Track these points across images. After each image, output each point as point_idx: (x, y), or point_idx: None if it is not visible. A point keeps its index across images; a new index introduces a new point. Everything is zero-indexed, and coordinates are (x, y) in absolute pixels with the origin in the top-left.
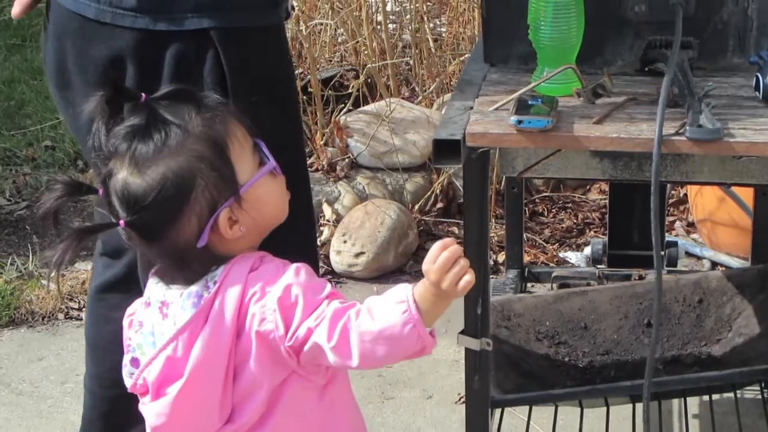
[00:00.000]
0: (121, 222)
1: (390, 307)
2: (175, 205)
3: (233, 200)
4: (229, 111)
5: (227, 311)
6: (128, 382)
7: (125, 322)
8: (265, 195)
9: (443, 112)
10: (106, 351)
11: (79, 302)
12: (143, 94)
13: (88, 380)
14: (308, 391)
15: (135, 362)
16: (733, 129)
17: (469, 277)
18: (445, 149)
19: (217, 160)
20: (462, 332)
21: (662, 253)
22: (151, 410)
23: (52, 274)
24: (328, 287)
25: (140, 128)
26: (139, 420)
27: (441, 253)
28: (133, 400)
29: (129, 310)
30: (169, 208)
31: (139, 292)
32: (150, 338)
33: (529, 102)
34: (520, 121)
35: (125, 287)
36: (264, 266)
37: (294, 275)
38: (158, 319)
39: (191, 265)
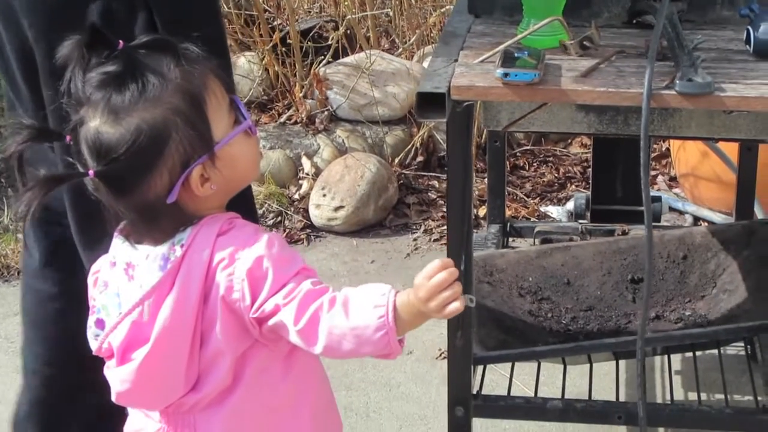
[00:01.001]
0: (90, 172)
1: (367, 307)
2: (147, 158)
3: (207, 157)
4: (208, 65)
5: (194, 276)
6: (93, 345)
7: (90, 280)
8: (239, 154)
9: (426, 64)
10: (52, 329)
11: None
12: (120, 41)
13: (31, 360)
14: (272, 360)
15: (100, 323)
16: (723, 83)
17: (458, 305)
18: (429, 102)
19: (193, 115)
20: None
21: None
22: (115, 375)
23: (20, 225)
24: (300, 262)
25: (117, 76)
26: (94, 390)
27: (439, 273)
28: (83, 372)
29: (93, 267)
30: (141, 161)
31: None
32: (116, 299)
33: (516, 54)
34: (506, 74)
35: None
36: (234, 231)
37: (266, 247)
38: (124, 280)
39: (159, 222)
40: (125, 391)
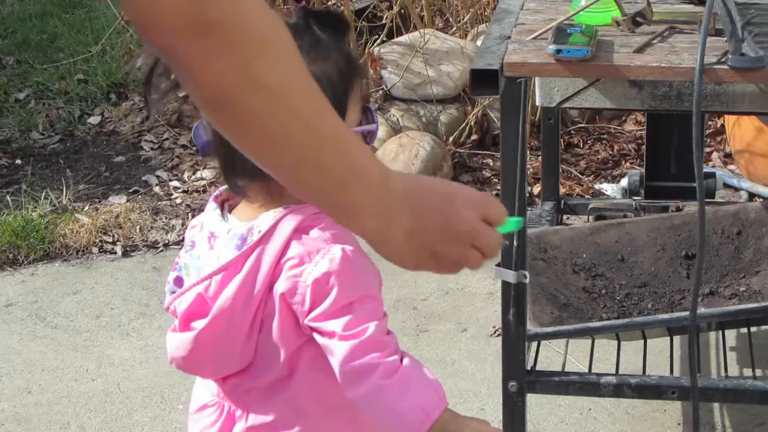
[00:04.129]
0: None
1: (416, 404)
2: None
3: None
4: (362, 66)
5: (264, 264)
6: (167, 299)
7: (186, 234)
8: None
9: (480, 42)
10: None
11: (113, 236)
12: (302, 2)
13: None
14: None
15: (179, 281)
16: None
17: None
18: (482, 79)
19: (341, 88)
20: (498, 264)
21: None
22: (173, 340)
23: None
24: (368, 287)
25: (293, 25)
26: None
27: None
28: None
29: (192, 222)
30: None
31: None
32: (197, 262)
33: (568, 31)
34: (558, 51)
35: None
36: (314, 230)
37: (340, 262)
38: (206, 248)
39: (266, 175)
40: (179, 357)
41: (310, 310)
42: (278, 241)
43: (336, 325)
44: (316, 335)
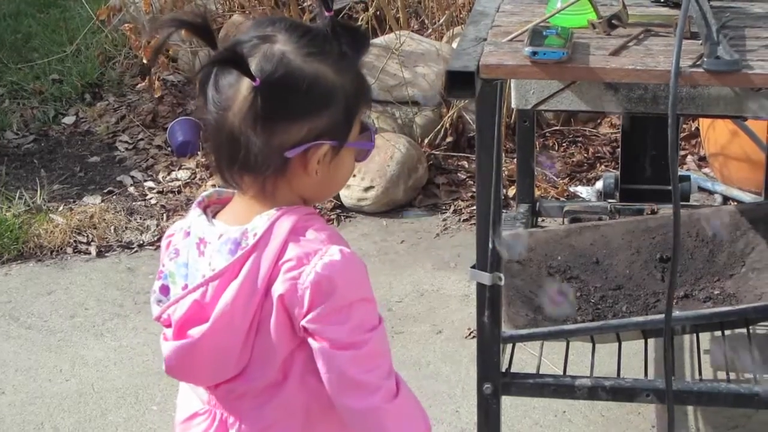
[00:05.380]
0: (258, 80)
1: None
2: (307, 104)
3: (336, 143)
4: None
5: (262, 267)
6: (155, 310)
7: (163, 243)
8: (346, 165)
9: (455, 44)
10: None
11: (87, 236)
12: (332, 12)
13: None
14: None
15: (165, 290)
16: (751, 60)
17: None
18: (458, 81)
19: (351, 105)
20: (473, 267)
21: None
22: (169, 348)
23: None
24: (366, 290)
25: (318, 31)
26: None
27: None
28: None
29: (169, 230)
30: (301, 102)
31: None
32: (183, 270)
33: (544, 33)
34: (535, 53)
35: None
36: (310, 231)
37: (341, 265)
38: (194, 255)
39: (264, 169)
40: (176, 365)
41: (308, 312)
42: (275, 244)
43: (335, 332)
44: (310, 339)
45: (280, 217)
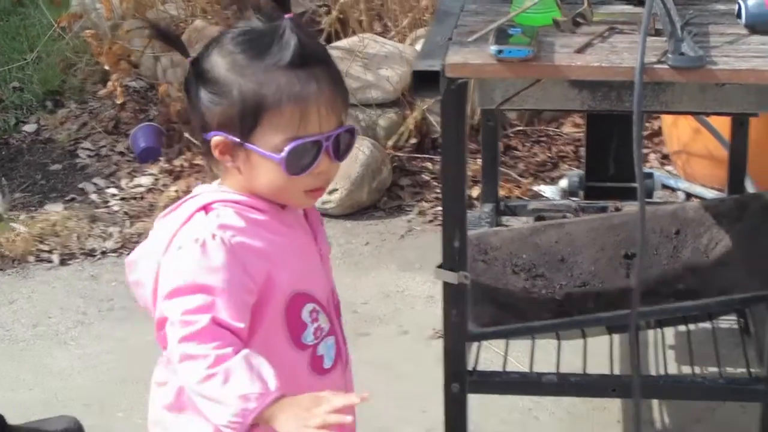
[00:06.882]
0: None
1: (238, 396)
2: (205, 92)
3: (235, 141)
4: (334, 93)
5: (162, 237)
6: None
7: None
8: (263, 173)
9: (418, 46)
10: None
11: (50, 245)
12: (291, 15)
13: None
14: None
15: None
16: (716, 56)
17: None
18: (424, 81)
19: (251, 106)
20: (439, 266)
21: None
22: None
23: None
24: (222, 279)
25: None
26: None
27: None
28: None
29: None
30: (202, 88)
31: None
32: None
33: (509, 32)
34: (500, 51)
35: None
36: (192, 221)
37: (187, 250)
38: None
39: (200, 147)
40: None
41: (154, 289)
42: (176, 218)
43: (169, 309)
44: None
45: (195, 197)
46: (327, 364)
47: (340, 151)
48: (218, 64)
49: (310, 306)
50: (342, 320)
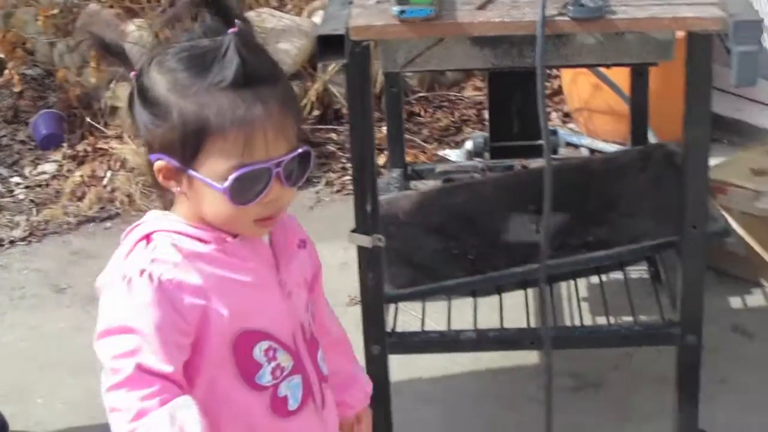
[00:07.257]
0: (134, 73)
1: None
2: (146, 112)
3: (176, 165)
4: (286, 117)
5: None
6: None
7: None
8: (209, 198)
9: (318, 17)
10: None
11: None
12: (238, 26)
13: None
14: None
15: None
16: (615, 6)
17: None
18: (328, 46)
19: (192, 131)
20: (353, 231)
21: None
22: None
23: None
24: (149, 322)
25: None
26: None
27: None
28: None
29: None
30: (142, 107)
31: None
32: None
33: None
34: (402, 11)
35: None
36: (134, 252)
37: (118, 288)
38: None
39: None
40: None
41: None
42: (123, 248)
43: (100, 353)
44: None
45: (141, 224)
46: (292, 405)
47: (293, 177)
48: (158, 82)
49: (264, 344)
50: (320, 355)
